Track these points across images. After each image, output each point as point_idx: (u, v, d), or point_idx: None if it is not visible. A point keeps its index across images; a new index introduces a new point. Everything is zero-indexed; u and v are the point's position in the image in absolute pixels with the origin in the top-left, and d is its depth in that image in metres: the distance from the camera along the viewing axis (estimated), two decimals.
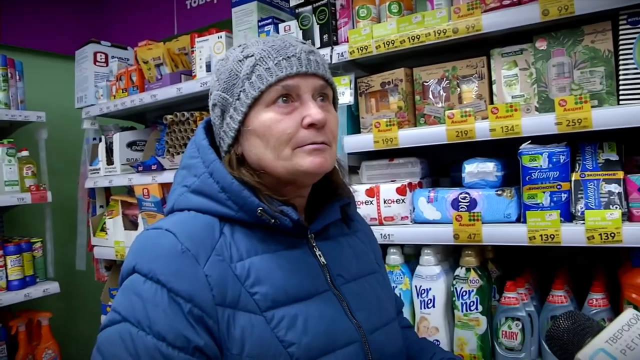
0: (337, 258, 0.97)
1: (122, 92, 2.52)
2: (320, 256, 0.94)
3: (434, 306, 1.58)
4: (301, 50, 0.89)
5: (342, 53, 1.75)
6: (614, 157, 1.41)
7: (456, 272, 1.57)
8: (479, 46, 1.65)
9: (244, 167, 0.91)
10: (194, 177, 0.90)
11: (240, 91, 0.89)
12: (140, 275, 0.81)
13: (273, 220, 0.86)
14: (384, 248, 1.62)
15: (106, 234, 2.62)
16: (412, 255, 1.75)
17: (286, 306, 0.84)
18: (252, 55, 0.88)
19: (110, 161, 2.58)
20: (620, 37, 1.35)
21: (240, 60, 0.90)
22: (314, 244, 0.95)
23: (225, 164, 0.90)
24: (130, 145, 2.59)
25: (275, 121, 0.87)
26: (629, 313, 0.70)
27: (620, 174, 1.36)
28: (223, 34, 2.13)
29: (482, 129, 1.48)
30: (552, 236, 1.37)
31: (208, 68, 2.16)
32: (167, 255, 0.81)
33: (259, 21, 2.01)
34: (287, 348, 0.81)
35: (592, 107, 1.34)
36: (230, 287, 0.81)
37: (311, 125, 0.87)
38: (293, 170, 0.88)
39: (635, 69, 1.33)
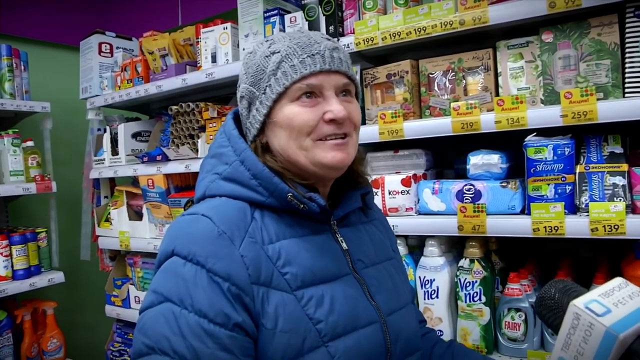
0: (357, 244, 1.01)
1: (127, 83, 2.52)
2: (342, 242, 0.98)
3: (437, 297, 1.60)
4: (325, 47, 0.93)
5: (348, 44, 1.75)
6: (619, 149, 1.42)
7: (460, 263, 1.58)
8: (485, 38, 1.66)
9: (269, 154, 0.95)
10: (225, 165, 0.95)
11: (267, 86, 0.93)
12: (179, 257, 0.85)
13: (302, 206, 0.90)
14: None
15: (110, 224, 2.64)
16: (416, 246, 1.77)
17: (314, 286, 0.89)
18: (279, 52, 0.92)
19: (115, 152, 2.59)
20: (627, 30, 1.35)
21: (267, 56, 0.94)
22: (336, 230, 0.99)
23: (252, 151, 0.94)
24: (135, 136, 2.59)
25: (298, 113, 0.91)
26: (618, 280, 0.74)
27: (624, 167, 1.36)
28: (229, 24, 2.13)
29: (487, 121, 1.49)
30: (556, 228, 1.38)
31: (213, 59, 2.16)
32: (204, 238, 0.85)
33: (264, 12, 2.00)
34: (315, 325, 0.86)
35: (598, 99, 1.35)
36: (263, 267, 0.86)
37: (332, 121, 0.91)
38: (315, 162, 0.92)
39: None
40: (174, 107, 2.29)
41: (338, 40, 1.78)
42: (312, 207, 0.91)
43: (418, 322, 1.12)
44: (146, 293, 0.88)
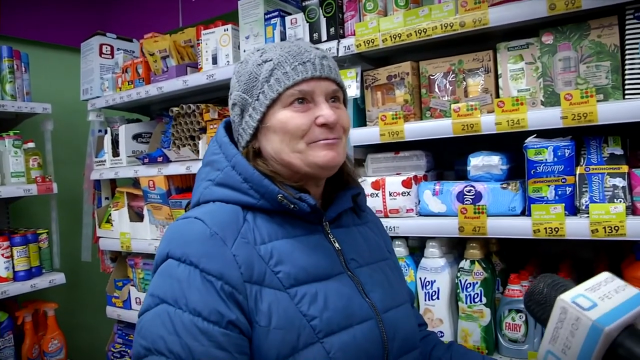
0: (350, 244, 1.03)
1: (128, 84, 2.53)
2: (334, 242, 1.00)
3: (438, 298, 1.60)
4: (315, 55, 0.97)
5: (348, 46, 1.75)
6: (619, 151, 1.42)
7: (460, 265, 1.58)
8: (485, 40, 1.66)
9: (260, 159, 0.98)
10: (218, 171, 0.98)
11: (260, 93, 0.96)
12: (174, 259, 0.88)
13: (292, 206, 0.93)
14: None
15: (111, 225, 2.64)
16: (416, 247, 1.77)
17: (307, 284, 0.90)
18: (271, 60, 0.96)
19: (115, 153, 2.59)
20: (627, 32, 1.36)
21: (259, 64, 0.97)
22: (329, 231, 1.00)
23: (244, 157, 0.97)
24: (135, 137, 2.60)
25: (291, 118, 0.94)
26: (604, 274, 0.75)
27: (624, 168, 1.37)
28: (229, 26, 2.13)
29: (487, 123, 1.49)
30: (556, 229, 1.38)
31: (214, 60, 2.17)
32: (197, 239, 0.88)
33: (265, 14, 2.01)
34: (310, 321, 0.87)
35: (598, 101, 1.35)
36: (256, 266, 0.88)
37: (324, 125, 0.94)
38: (309, 164, 0.95)
39: None
40: (174, 109, 2.30)
41: (339, 42, 1.78)
42: (303, 207, 0.93)
43: (417, 324, 1.12)
44: (145, 296, 0.90)
